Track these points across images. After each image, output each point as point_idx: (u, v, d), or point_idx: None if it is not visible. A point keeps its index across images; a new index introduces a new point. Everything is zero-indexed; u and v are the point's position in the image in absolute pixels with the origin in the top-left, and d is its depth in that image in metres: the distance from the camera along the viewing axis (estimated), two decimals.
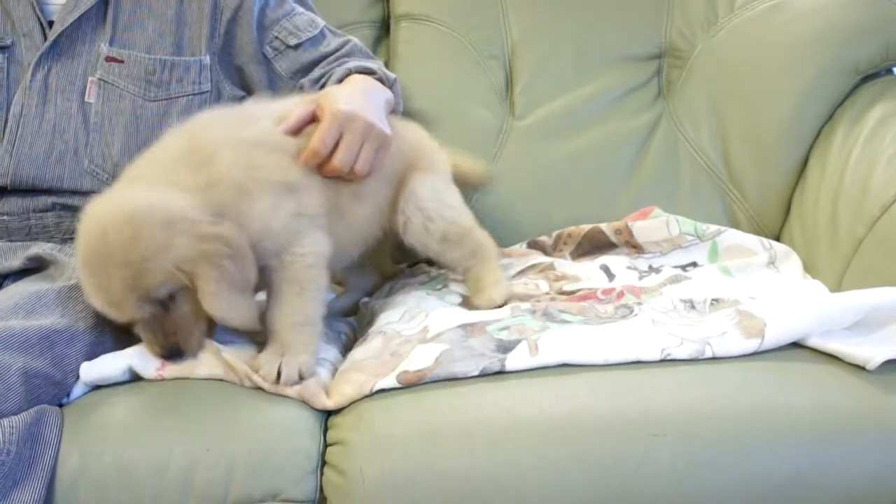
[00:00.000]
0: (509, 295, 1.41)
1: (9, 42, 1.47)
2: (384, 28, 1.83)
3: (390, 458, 1.09)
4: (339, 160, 1.30)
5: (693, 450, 1.07)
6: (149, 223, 1.15)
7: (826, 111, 1.64)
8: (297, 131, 1.32)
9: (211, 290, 1.16)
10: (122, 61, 1.48)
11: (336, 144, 1.31)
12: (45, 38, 1.47)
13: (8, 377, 1.12)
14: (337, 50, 1.58)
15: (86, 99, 1.47)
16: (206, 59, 1.52)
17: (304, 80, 1.56)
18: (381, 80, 1.53)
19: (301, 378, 1.20)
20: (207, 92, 1.53)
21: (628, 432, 1.08)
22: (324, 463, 1.13)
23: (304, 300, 1.25)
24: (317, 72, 1.56)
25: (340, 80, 1.51)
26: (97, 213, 1.18)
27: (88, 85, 1.47)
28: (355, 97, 1.38)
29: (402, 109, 1.61)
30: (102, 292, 1.17)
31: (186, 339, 1.21)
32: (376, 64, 1.57)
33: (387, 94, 1.49)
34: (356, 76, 1.50)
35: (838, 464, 1.08)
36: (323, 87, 1.53)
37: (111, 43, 1.48)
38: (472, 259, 1.46)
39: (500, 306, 1.38)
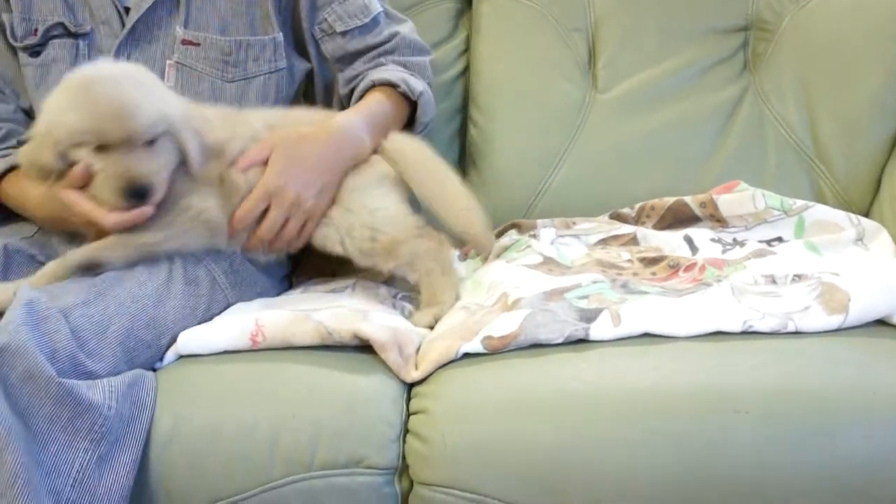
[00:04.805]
0: (438, 318, 1.35)
1: (88, 29, 1.50)
2: (467, 1, 1.83)
3: (472, 427, 1.10)
4: (259, 235, 1.39)
5: (775, 428, 1.06)
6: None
7: None
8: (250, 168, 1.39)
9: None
10: (198, 44, 1.50)
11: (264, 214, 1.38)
12: (123, 24, 1.49)
13: (105, 337, 1.17)
14: (383, 43, 1.58)
15: (165, 83, 1.48)
16: (280, 37, 1.54)
17: (340, 77, 1.58)
18: (403, 94, 1.53)
19: None
20: (284, 69, 1.55)
21: (711, 408, 1.08)
22: (406, 431, 1.15)
23: None
24: (352, 69, 1.57)
25: (364, 93, 1.53)
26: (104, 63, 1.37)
27: (167, 69, 1.50)
28: (299, 162, 1.40)
29: (432, 118, 1.61)
30: (123, 101, 1.26)
31: (154, 186, 1.28)
32: (406, 72, 1.56)
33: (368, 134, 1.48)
34: (365, 101, 1.52)
35: None
36: (352, 91, 1.55)
37: (185, 26, 1.50)
38: (411, 273, 1.41)
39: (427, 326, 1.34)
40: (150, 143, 1.28)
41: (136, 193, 1.27)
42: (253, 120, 1.43)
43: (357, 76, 1.56)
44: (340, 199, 1.42)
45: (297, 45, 1.59)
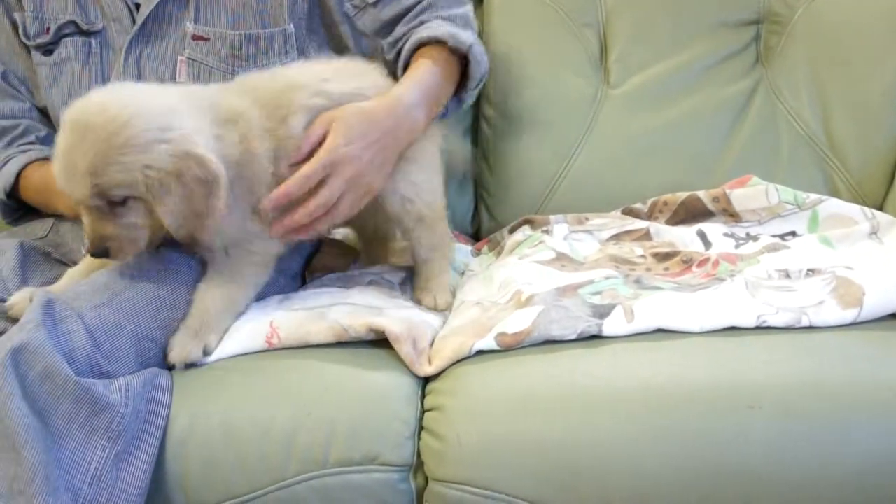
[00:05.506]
0: (451, 302, 1.42)
1: (100, 27, 1.51)
2: None
3: (487, 425, 1.11)
4: (313, 205, 1.26)
5: (789, 423, 1.06)
6: (145, 119, 1.16)
7: None
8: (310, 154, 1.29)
9: (169, 206, 1.16)
10: (208, 39, 1.50)
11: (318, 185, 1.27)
12: (134, 21, 1.49)
13: (120, 338, 1.17)
14: (419, 2, 1.53)
15: (177, 79, 1.49)
16: (290, 28, 1.53)
17: (384, 43, 1.53)
18: (453, 49, 1.48)
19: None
20: (294, 60, 1.54)
21: (725, 404, 1.08)
22: (421, 428, 1.16)
23: None
24: (394, 35, 1.52)
25: (412, 53, 1.47)
26: (108, 93, 1.20)
27: (178, 64, 1.49)
28: (361, 136, 1.31)
29: (487, 71, 1.55)
30: (69, 163, 1.15)
31: (119, 248, 1.20)
32: (451, 26, 1.49)
33: (435, 92, 1.45)
34: (417, 70, 1.45)
35: None
36: (399, 52, 1.50)
37: (196, 21, 1.50)
38: (432, 252, 1.44)
39: (440, 310, 1.40)
40: (121, 202, 1.17)
41: (98, 255, 1.21)
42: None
43: (401, 38, 1.51)
44: (410, 170, 1.41)
45: (329, 28, 1.57)
